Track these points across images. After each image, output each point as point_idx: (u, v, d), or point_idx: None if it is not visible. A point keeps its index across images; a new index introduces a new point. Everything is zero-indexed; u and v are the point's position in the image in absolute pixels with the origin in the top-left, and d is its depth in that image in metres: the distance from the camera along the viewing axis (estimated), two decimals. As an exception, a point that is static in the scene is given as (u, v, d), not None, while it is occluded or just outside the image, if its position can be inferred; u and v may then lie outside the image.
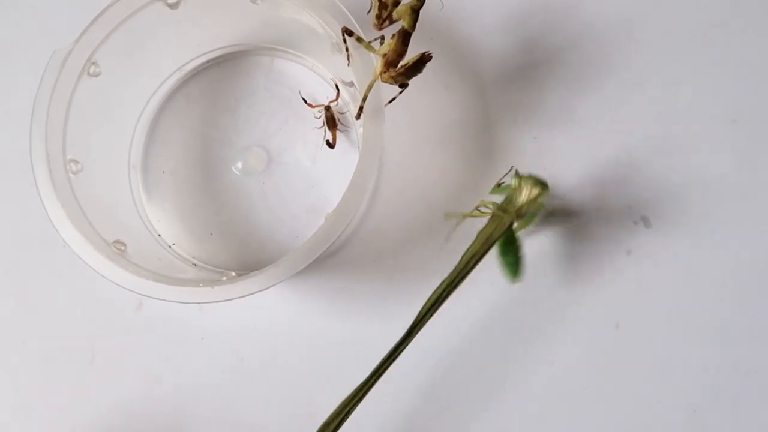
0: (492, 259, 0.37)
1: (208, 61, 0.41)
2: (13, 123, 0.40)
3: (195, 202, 0.39)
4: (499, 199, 0.36)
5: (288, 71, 0.40)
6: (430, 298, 0.34)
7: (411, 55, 0.33)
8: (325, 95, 0.39)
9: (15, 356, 0.39)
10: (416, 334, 0.33)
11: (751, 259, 0.38)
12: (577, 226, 0.38)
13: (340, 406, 0.33)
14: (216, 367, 0.38)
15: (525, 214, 0.35)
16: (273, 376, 0.38)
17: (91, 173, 0.36)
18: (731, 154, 0.39)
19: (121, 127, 0.39)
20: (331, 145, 0.39)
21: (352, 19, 0.35)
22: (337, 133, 0.39)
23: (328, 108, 0.39)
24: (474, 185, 0.38)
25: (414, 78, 0.34)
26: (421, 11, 0.33)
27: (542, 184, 0.35)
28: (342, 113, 0.39)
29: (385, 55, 0.33)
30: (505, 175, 0.36)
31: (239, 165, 0.39)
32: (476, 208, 0.36)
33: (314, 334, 0.38)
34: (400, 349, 0.33)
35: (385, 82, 0.34)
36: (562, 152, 0.39)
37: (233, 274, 0.38)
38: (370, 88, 0.33)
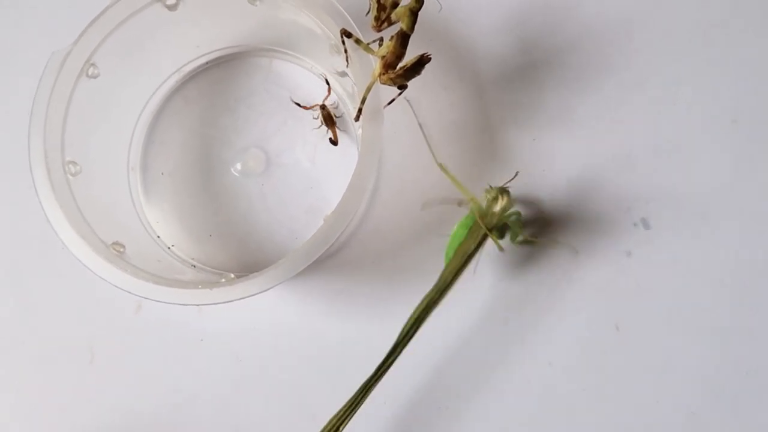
0: (492, 258, 0.37)
1: (206, 62, 0.41)
2: (11, 124, 0.40)
3: (194, 204, 0.39)
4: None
5: (287, 72, 0.40)
6: (411, 316, 0.34)
7: (410, 56, 0.33)
8: (323, 96, 0.39)
9: (15, 356, 0.39)
10: (399, 354, 0.34)
11: (751, 260, 0.38)
12: (576, 228, 0.38)
13: (339, 413, 0.33)
14: (215, 369, 0.38)
15: (500, 225, 0.35)
16: (272, 377, 0.38)
17: (90, 174, 0.36)
18: (731, 154, 0.39)
19: (119, 128, 0.39)
20: (334, 143, 0.39)
21: (351, 20, 0.34)
22: (337, 131, 0.39)
23: (323, 107, 0.39)
24: (473, 186, 0.38)
25: (413, 79, 0.34)
26: (419, 13, 0.33)
27: (505, 192, 0.35)
28: (339, 115, 0.39)
29: (383, 56, 0.33)
30: (509, 180, 0.36)
31: (238, 166, 0.39)
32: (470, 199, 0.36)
33: (314, 335, 0.38)
34: (386, 364, 0.34)
35: (383, 83, 0.34)
36: (561, 153, 0.39)
37: (232, 275, 0.38)
38: (368, 89, 0.33)
